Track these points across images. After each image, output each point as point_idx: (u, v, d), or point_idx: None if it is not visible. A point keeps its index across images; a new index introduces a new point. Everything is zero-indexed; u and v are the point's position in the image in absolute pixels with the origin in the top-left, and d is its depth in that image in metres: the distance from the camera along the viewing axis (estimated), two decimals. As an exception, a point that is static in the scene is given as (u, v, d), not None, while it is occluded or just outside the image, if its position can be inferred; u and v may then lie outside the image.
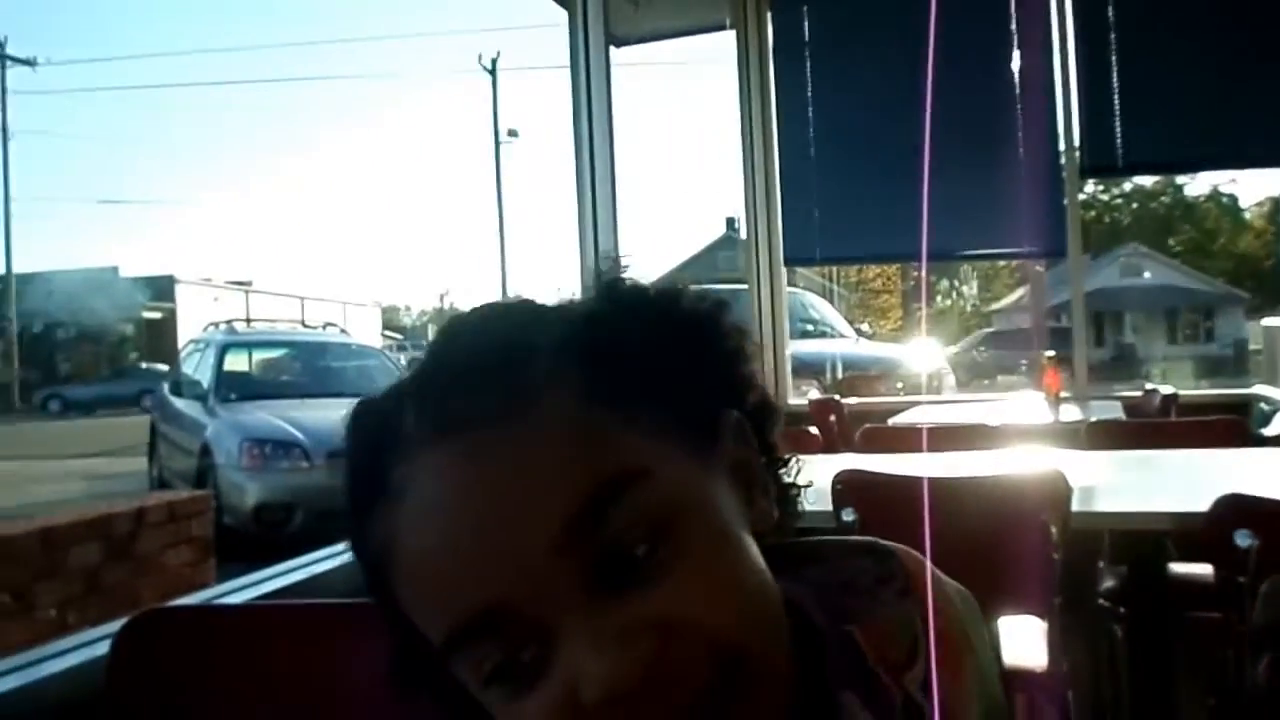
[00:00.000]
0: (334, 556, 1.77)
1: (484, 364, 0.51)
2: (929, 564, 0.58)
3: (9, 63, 30.79)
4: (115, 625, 1.23)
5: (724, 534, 0.52)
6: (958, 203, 3.71)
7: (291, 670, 1.20)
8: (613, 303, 0.56)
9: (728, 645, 0.48)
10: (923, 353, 11.92)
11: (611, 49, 2.99)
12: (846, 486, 1.98)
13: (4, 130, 30.64)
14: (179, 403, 10.04)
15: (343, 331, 12.83)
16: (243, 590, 1.59)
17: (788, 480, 0.61)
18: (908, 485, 1.82)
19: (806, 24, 4.38)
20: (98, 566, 4.14)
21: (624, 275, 0.58)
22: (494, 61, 32.26)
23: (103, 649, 1.22)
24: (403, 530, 0.51)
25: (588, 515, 0.48)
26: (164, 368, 27.00)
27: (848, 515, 1.95)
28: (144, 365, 27.75)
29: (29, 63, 31.28)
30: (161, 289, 29.64)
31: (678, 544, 0.49)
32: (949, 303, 40.01)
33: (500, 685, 0.49)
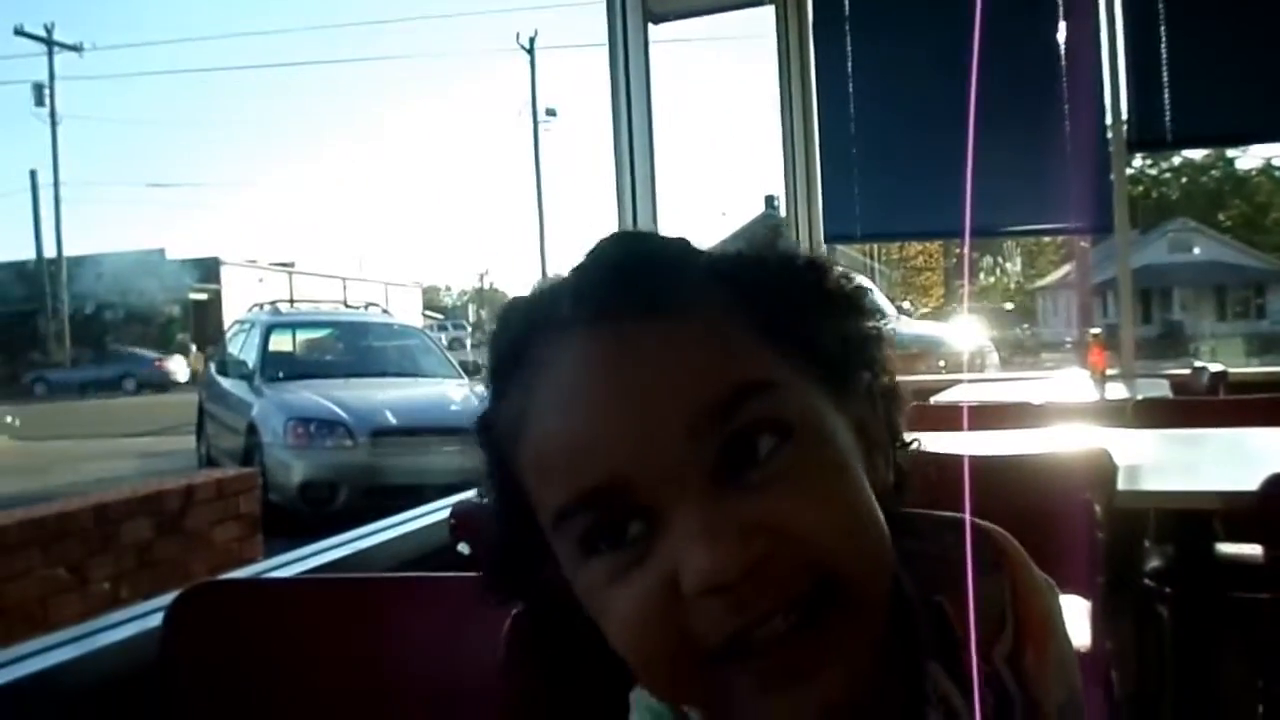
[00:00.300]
0: (378, 533, 1.80)
1: (640, 263, 0.54)
2: (1019, 546, 0.59)
3: (56, 48, 31.31)
4: (168, 598, 1.26)
5: (843, 462, 0.53)
6: (1001, 178, 3.64)
7: (338, 640, 1.23)
8: (759, 251, 0.58)
9: (831, 564, 0.49)
10: (965, 330, 11.80)
11: (650, 25, 2.98)
12: (888, 465, 1.97)
13: (53, 115, 31.19)
14: (225, 382, 10.21)
15: (384, 311, 12.95)
16: (291, 565, 1.62)
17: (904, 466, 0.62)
18: (950, 464, 1.81)
19: (847, -2, 4.32)
20: (149, 542, 4.23)
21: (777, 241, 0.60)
22: (532, 40, 32.27)
23: (156, 621, 1.25)
24: (540, 398, 0.53)
25: (722, 408, 0.49)
26: (145, 352, 27.47)
27: (888, 494, 1.94)
28: (126, 349, 28.37)
29: (76, 48, 31.76)
30: (207, 270, 30.05)
31: (799, 453, 0.50)
32: (992, 279, 39.50)
33: (600, 559, 0.51)
